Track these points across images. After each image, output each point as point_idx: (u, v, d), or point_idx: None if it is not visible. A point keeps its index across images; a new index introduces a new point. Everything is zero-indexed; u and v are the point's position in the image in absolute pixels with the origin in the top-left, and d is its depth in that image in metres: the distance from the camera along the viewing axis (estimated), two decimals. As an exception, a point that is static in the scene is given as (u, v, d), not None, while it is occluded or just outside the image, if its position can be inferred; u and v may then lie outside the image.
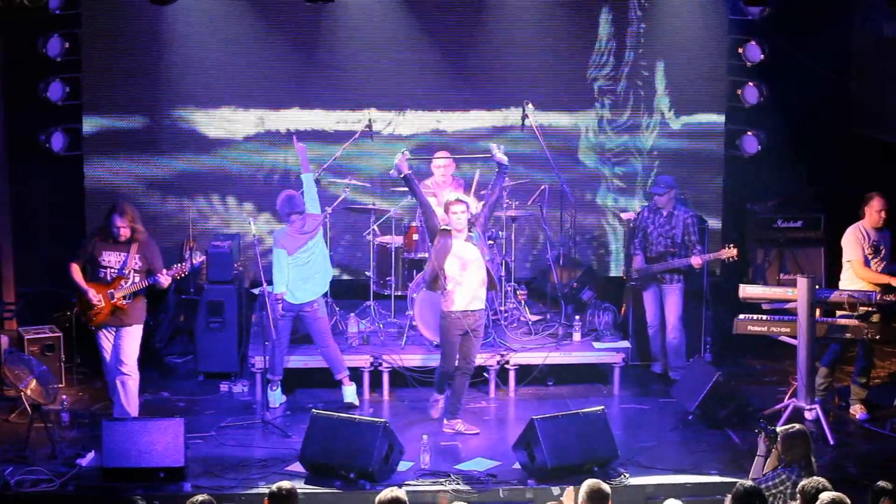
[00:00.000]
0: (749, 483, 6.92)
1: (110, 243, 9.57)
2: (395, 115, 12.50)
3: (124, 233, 9.51)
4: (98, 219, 12.04)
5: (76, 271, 9.60)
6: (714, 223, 12.39)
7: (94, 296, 9.50)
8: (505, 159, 9.86)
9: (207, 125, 12.43)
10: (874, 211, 10.12)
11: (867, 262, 10.08)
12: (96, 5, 12.08)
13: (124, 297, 9.53)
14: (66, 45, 11.86)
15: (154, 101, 12.33)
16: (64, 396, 10.11)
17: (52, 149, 12.00)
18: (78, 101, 12.15)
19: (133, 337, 9.65)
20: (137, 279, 9.56)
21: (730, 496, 6.84)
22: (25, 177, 12.03)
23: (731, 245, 10.74)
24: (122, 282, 9.54)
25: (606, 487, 6.75)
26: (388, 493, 6.71)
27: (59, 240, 12.22)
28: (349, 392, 10.36)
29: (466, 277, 9.58)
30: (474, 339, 9.73)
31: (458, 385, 9.81)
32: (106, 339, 9.66)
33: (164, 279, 9.59)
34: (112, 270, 9.55)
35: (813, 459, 7.47)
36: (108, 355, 9.67)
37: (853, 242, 10.15)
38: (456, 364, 9.75)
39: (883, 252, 10.15)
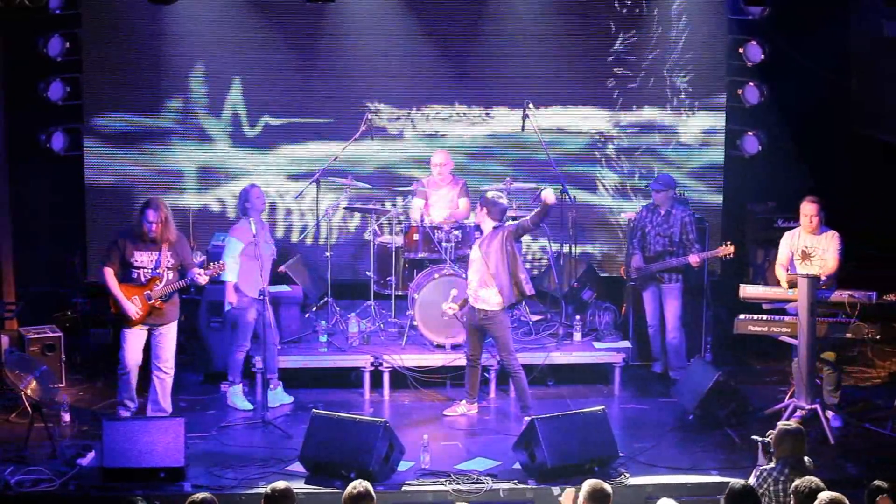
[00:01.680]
0: (742, 483, 6.92)
1: (141, 243, 9.47)
2: (395, 115, 12.49)
3: (157, 228, 9.40)
4: (98, 218, 12.15)
5: (112, 279, 9.45)
6: (714, 223, 12.37)
7: (134, 311, 9.43)
8: (550, 200, 9.73)
9: (207, 125, 12.43)
10: (801, 216, 10.01)
11: (792, 266, 10.02)
12: (96, 5, 12.09)
13: (161, 298, 9.50)
14: (67, 44, 11.87)
15: (154, 101, 12.32)
16: (64, 396, 10.11)
17: (52, 149, 12.01)
18: (78, 100, 12.15)
19: (172, 335, 9.65)
20: (171, 276, 9.51)
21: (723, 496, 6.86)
22: (25, 177, 12.02)
23: (728, 242, 10.72)
24: (158, 282, 9.49)
25: (608, 487, 6.74)
26: (354, 486, 6.70)
27: (59, 240, 12.25)
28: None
29: (469, 275, 9.96)
30: (492, 337, 9.98)
31: (513, 385, 10.19)
32: (137, 337, 9.57)
33: (202, 278, 9.58)
34: (146, 271, 9.47)
35: (807, 459, 7.47)
36: (133, 353, 9.57)
37: (781, 246, 10.16)
38: (472, 354, 10.11)
39: (818, 257, 9.93)
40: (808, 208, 9.98)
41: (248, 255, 10.05)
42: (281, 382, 10.40)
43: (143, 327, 9.57)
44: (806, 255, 10.01)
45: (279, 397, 10.37)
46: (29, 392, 9.69)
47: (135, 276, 9.48)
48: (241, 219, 10.24)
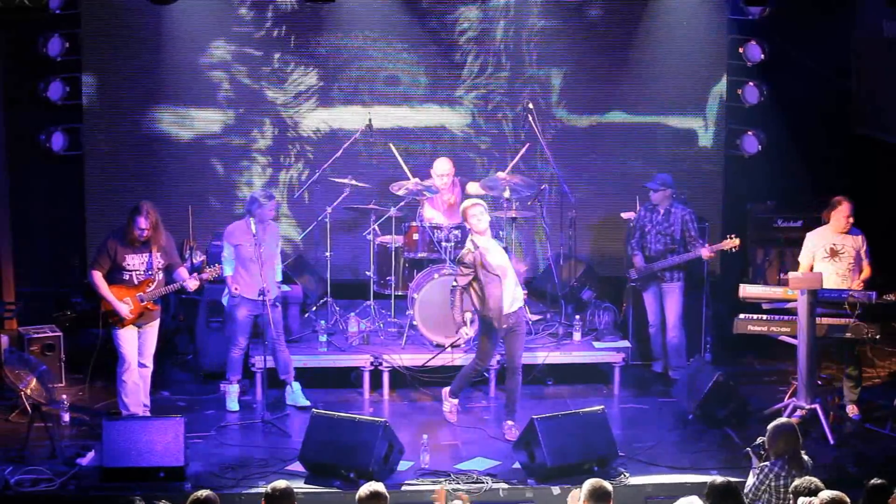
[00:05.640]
0: (723, 479, 6.93)
1: (131, 245, 9.49)
2: (395, 114, 12.48)
3: (148, 234, 9.45)
4: (98, 219, 12.14)
5: (101, 281, 9.47)
6: (714, 223, 12.36)
7: (126, 310, 9.46)
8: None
9: (208, 125, 12.42)
10: (842, 216, 10.02)
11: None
12: (96, 5, 12.08)
13: (153, 300, 9.54)
14: (66, 44, 11.87)
15: (154, 101, 12.31)
16: (64, 396, 10.10)
17: (52, 149, 12.01)
18: (78, 100, 12.15)
19: (155, 331, 9.74)
20: (161, 277, 9.56)
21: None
22: (25, 177, 12.02)
23: (733, 235, 10.71)
24: (150, 284, 9.53)
25: (608, 486, 6.74)
26: (367, 488, 6.71)
27: (60, 240, 12.24)
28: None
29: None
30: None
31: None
32: (131, 336, 9.59)
33: (192, 284, 9.61)
34: (138, 273, 9.51)
35: (803, 454, 7.50)
36: (131, 352, 9.59)
37: (805, 247, 10.19)
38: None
39: (847, 255, 10.01)
40: (846, 208, 10.01)
41: (242, 255, 10.06)
42: (295, 382, 10.30)
43: (133, 327, 9.59)
44: (835, 252, 10.03)
45: (294, 397, 10.31)
46: (29, 392, 9.70)
47: (126, 277, 9.51)
48: (242, 218, 10.25)
